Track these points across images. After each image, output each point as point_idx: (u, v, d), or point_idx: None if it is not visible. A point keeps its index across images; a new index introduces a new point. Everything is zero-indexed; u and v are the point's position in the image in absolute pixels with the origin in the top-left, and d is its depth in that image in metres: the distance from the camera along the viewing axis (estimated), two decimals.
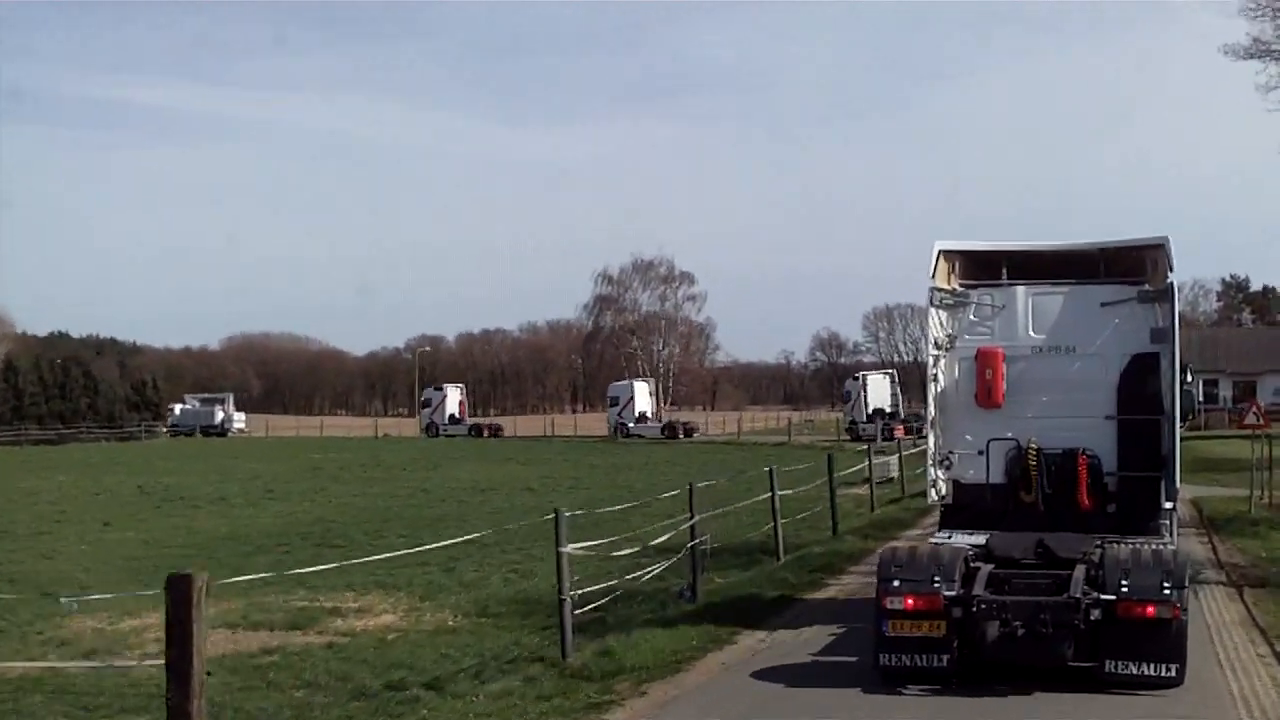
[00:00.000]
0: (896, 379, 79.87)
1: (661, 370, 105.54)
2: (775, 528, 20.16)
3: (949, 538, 12.78)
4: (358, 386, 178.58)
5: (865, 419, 73.55)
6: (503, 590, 18.53)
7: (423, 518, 31.68)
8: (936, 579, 11.00)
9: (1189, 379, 14.23)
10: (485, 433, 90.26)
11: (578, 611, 12.82)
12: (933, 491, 13.76)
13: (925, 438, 14.21)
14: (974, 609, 10.74)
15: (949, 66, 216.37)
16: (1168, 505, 13.06)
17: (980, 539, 12.35)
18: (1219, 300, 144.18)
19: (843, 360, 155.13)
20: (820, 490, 25.92)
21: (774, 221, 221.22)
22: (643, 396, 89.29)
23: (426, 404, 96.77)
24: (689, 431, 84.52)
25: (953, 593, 10.92)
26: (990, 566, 11.45)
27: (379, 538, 26.77)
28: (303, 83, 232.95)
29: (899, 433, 65.74)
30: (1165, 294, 13.05)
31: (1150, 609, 10.55)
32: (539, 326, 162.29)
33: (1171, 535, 13.13)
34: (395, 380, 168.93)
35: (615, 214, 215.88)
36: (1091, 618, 10.60)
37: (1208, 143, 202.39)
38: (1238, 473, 35.58)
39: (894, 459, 37.47)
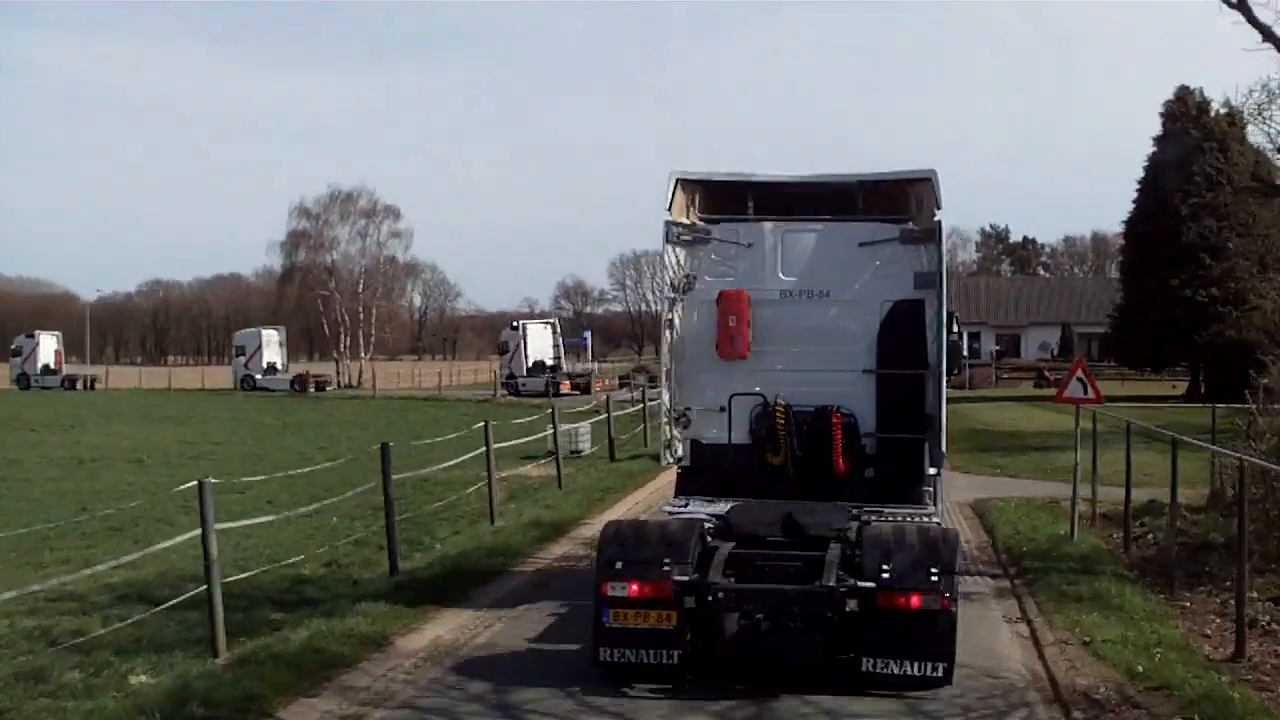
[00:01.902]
0: (559, 329, 78.42)
1: (362, 316, 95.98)
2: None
3: (685, 505, 11.86)
4: (88, 332, 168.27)
5: (526, 372, 71.33)
6: None
7: None
8: (666, 561, 9.88)
9: (956, 330, 13.29)
10: (79, 385, 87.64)
11: None
12: (667, 453, 12.93)
13: (660, 391, 13.36)
14: (710, 598, 9.69)
15: (706, 24, 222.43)
16: (932, 471, 12.36)
17: (721, 508, 11.41)
18: (978, 250, 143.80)
19: (589, 309, 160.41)
20: (471, 470, 20.78)
21: (521, 171, 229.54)
22: (272, 346, 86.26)
23: (17, 353, 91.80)
24: (320, 385, 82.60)
25: (685, 577, 9.81)
26: (731, 545, 10.35)
27: None
28: (51, 21, 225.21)
29: (565, 387, 65.80)
30: (931, 234, 12.25)
31: (915, 599, 9.51)
32: (275, 272, 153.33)
33: (936, 504, 12.57)
34: (126, 326, 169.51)
35: (358, 163, 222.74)
36: (847, 609, 9.57)
37: (972, 94, 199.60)
38: (1025, 455, 28.12)
39: (582, 427, 31.37)
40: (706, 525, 10.70)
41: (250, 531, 16.49)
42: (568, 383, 67.62)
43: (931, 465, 12.28)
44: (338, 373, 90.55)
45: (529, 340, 73.33)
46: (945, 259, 12.56)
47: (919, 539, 9.91)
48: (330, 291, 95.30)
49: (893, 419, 12.31)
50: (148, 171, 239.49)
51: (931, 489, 12.47)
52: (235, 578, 12.88)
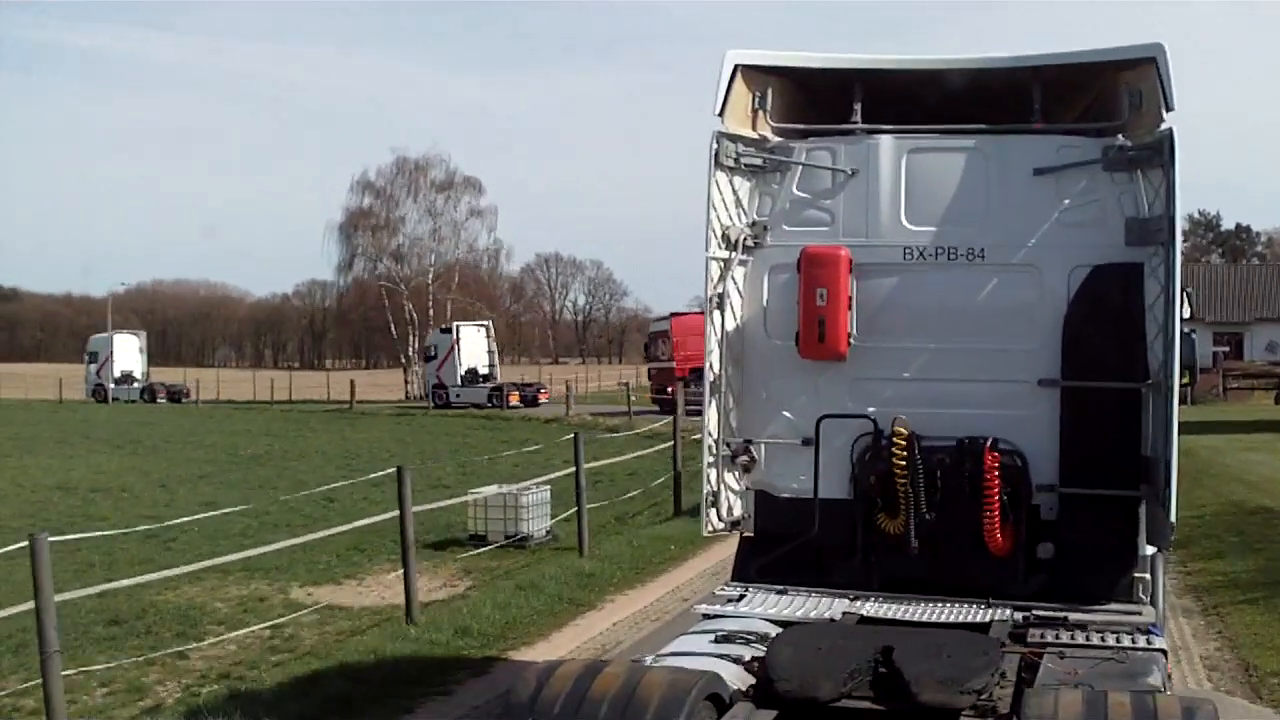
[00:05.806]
0: (492, 332, 73.75)
1: (432, 312, 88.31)
2: None
3: (741, 598, 8.55)
4: (248, 334, 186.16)
5: (459, 381, 67.49)
6: None
7: None
8: None
9: (1190, 316, 9.04)
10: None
11: None
12: (712, 515, 9.14)
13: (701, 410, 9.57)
14: None
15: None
16: (1148, 551, 8.50)
17: (799, 606, 8.21)
18: (1185, 240, 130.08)
19: None
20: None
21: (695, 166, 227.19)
22: (128, 352, 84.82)
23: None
24: (174, 396, 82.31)
25: None
26: (769, 717, 6.46)
27: None
28: (219, 28, 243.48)
29: (514, 399, 62.35)
30: (1156, 153, 8.14)
31: None
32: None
33: (1157, 606, 8.47)
34: (285, 329, 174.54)
35: (536, 158, 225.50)
36: None
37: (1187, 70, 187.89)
38: None
39: (533, 494, 20.15)
40: (725, 674, 6.56)
41: None
42: (516, 394, 64.52)
43: (1151, 542, 8.33)
44: (406, 381, 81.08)
45: (463, 344, 69.21)
46: (1178, 201, 7.98)
47: (1134, 710, 5.68)
48: (396, 283, 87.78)
49: (1088, 462, 8.35)
50: (309, 171, 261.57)
51: (1149, 577, 8.52)
52: None
